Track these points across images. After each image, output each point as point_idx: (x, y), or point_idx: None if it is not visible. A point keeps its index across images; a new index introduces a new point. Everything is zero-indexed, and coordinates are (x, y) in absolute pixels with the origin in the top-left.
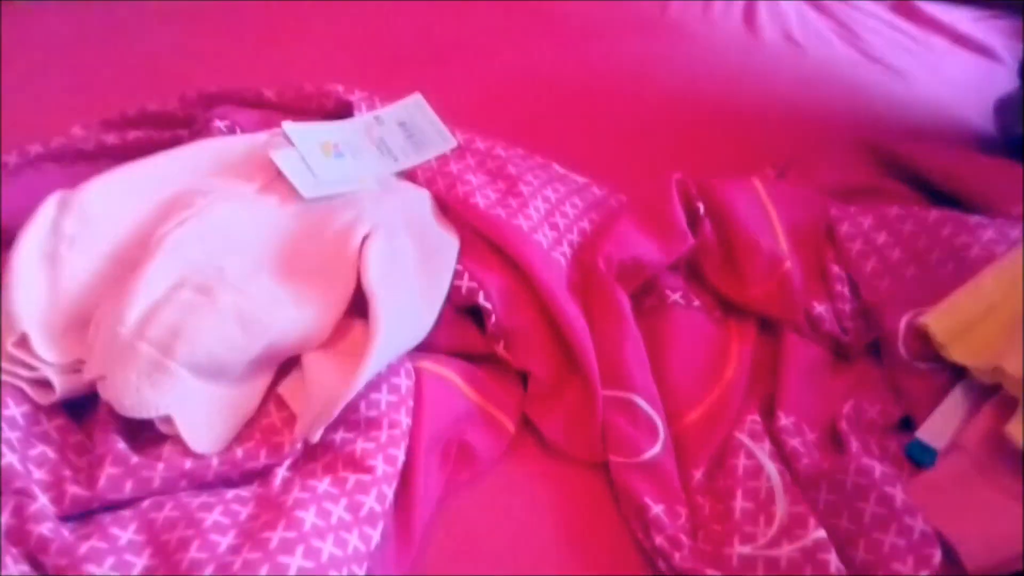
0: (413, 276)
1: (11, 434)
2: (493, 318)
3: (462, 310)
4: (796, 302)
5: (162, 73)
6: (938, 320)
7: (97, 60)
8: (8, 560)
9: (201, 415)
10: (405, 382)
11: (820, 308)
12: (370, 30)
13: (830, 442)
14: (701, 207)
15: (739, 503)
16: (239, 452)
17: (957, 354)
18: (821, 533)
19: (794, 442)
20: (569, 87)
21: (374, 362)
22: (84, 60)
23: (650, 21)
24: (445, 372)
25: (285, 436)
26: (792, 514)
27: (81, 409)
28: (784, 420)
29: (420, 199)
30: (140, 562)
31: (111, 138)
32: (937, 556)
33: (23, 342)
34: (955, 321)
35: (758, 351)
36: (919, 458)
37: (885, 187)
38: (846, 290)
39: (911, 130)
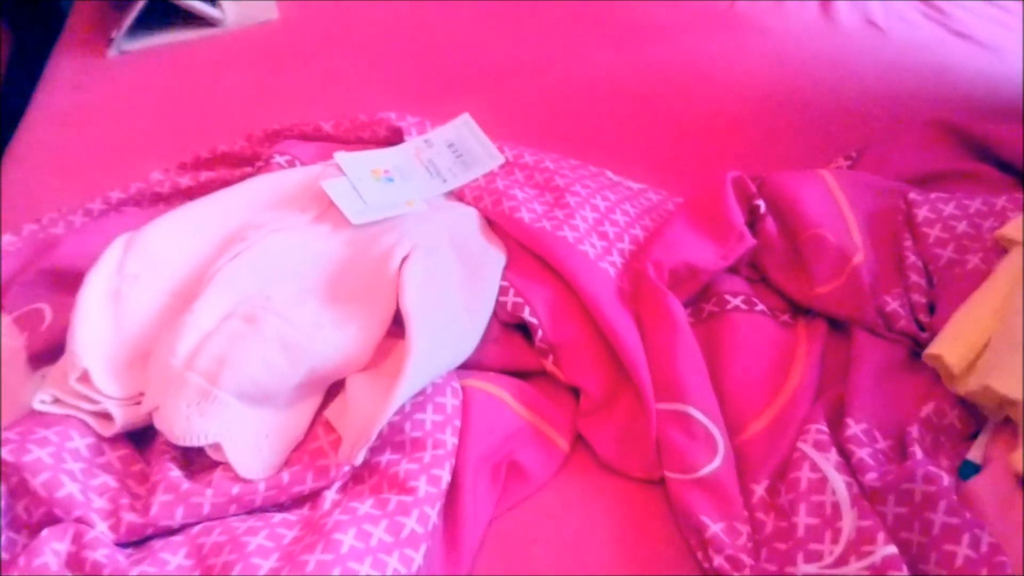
0: (456, 294)
1: (74, 465)
2: (540, 333)
3: (510, 326)
4: (866, 299)
5: (233, 113)
6: (952, 349)
7: (173, 105)
8: None
9: (249, 441)
10: (451, 401)
11: (894, 304)
12: (429, 48)
13: (903, 450)
14: (761, 204)
15: (803, 519)
16: (285, 476)
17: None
18: (891, 548)
19: (862, 452)
20: (632, 90)
21: (409, 384)
22: (161, 106)
23: (716, 17)
24: (494, 390)
25: (331, 459)
26: (860, 529)
27: (145, 439)
28: (853, 428)
29: (467, 216)
30: None
31: (185, 180)
32: (1008, 567)
33: (85, 377)
34: (966, 347)
35: (829, 353)
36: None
37: (969, 170)
38: (923, 281)
39: (1004, 108)
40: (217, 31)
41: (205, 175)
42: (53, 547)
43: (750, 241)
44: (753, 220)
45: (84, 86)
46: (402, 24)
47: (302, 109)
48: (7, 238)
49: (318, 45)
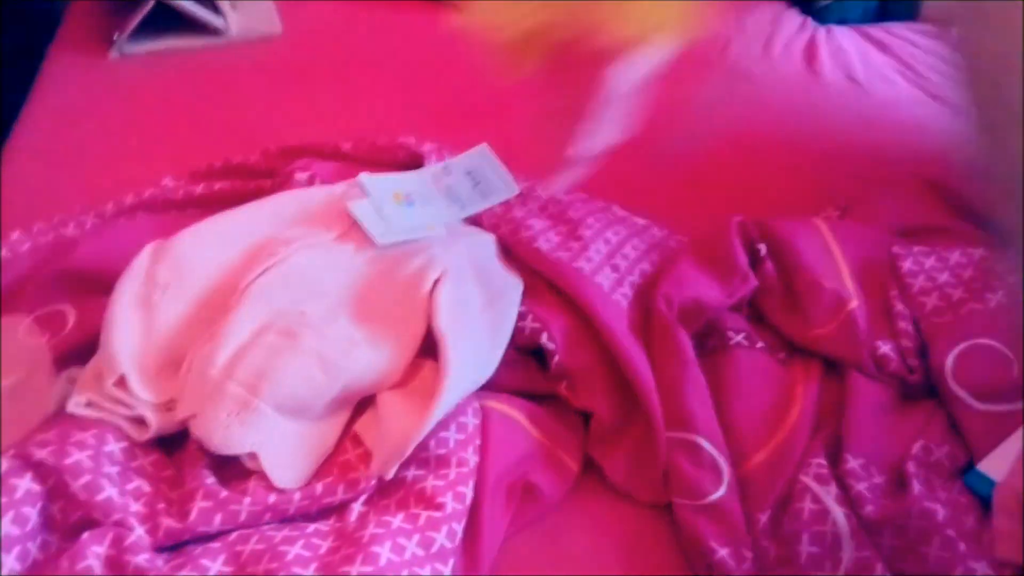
0: (478, 318)
1: (111, 468)
2: (556, 358)
3: (525, 351)
4: (861, 343)
5: (233, 123)
6: None
7: (173, 111)
8: None
9: (285, 452)
10: (472, 421)
11: (886, 348)
12: (435, 74)
13: (898, 485)
14: (763, 248)
15: (805, 548)
16: (319, 487)
17: None
18: None
19: (860, 487)
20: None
21: (444, 403)
22: (161, 111)
23: (709, 63)
24: (510, 411)
25: (360, 472)
26: (858, 559)
27: (171, 445)
28: (851, 463)
29: (485, 243)
30: None
31: (199, 188)
32: None
33: (122, 382)
34: None
35: (824, 392)
36: (977, 488)
37: (951, 227)
38: (910, 327)
39: (975, 169)
40: (220, 41)
41: (219, 185)
42: (94, 550)
43: (753, 282)
44: (754, 262)
45: (83, 87)
46: (407, 43)
47: (302, 123)
48: (16, 235)
49: (320, 61)
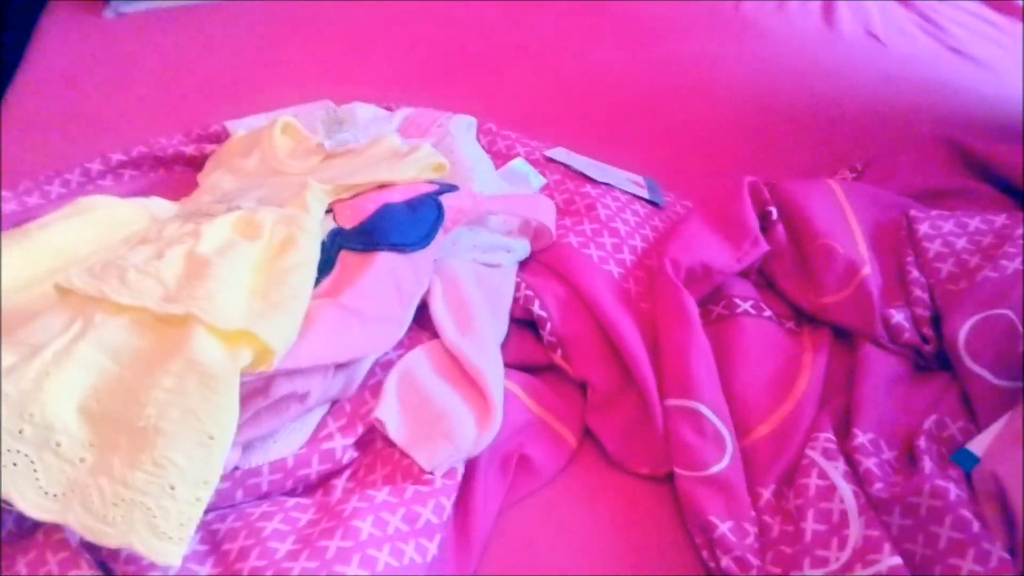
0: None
1: None
2: (549, 326)
3: (521, 322)
4: (874, 311)
5: (228, 82)
6: None
7: (169, 70)
8: (83, 563)
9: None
10: None
11: (899, 316)
12: (435, 34)
13: (908, 461)
14: (774, 211)
15: (810, 525)
16: (290, 460)
17: None
18: (896, 559)
19: (869, 463)
20: (639, 88)
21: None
22: (156, 70)
23: (723, 19)
24: (506, 384)
25: (337, 442)
26: (866, 537)
27: None
28: (861, 438)
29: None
30: (203, 571)
31: (190, 149)
32: None
33: None
34: None
35: (833, 362)
36: (965, 467)
37: (970, 188)
38: (926, 295)
39: (998, 128)
40: None
41: (211, 147)
42: None
43: (764, 247)
44: (765, 226)
45: (79, 46)
46: (405, 4)
47: (297, 82)
48: (5, 193)
49: (317, 21)
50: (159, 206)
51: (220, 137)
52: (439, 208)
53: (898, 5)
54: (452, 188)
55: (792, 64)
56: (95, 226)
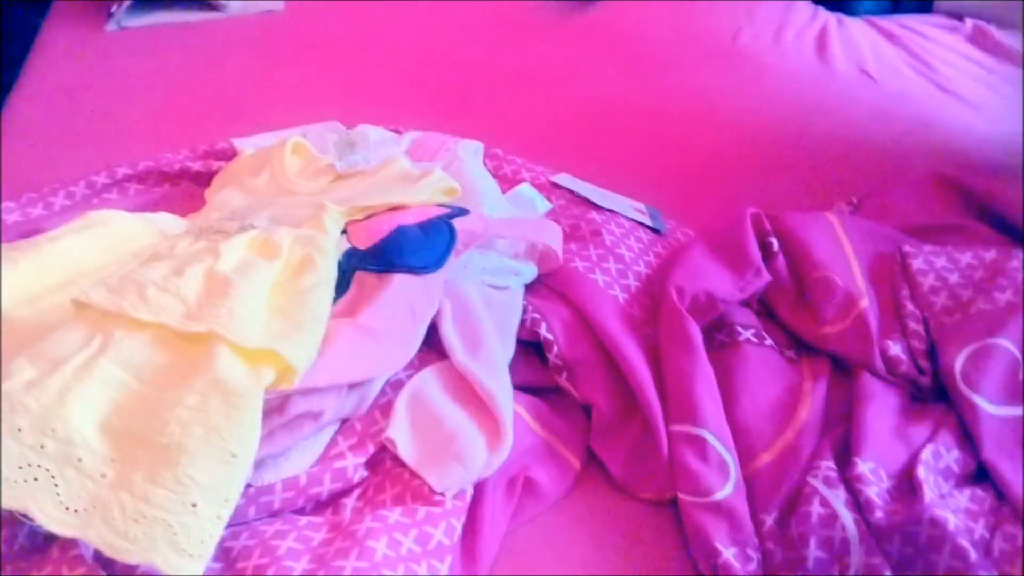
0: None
1: None
2: (555, 349)
3: (526, 344)
4: (872, 342)
5: (231, 98)
6: None
7: (170, 85)
8: None
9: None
10: None
11: (896, 348)
12: (439, 59)
13: (907, 490)
14: (775, 242)
15: (812, 551)
16: (303, 478)
17: None
18: None
19: (869, 491)
20: (639, 116)
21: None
22: (157, 85)
23: (720, 49)
24: (514, 406)
25: (348, 460)
26: (867, 564)
27: None
28: (861, 467)
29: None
30: None
31: (196, 165)
32: None
33: None
34: None
35: (832, 392)
36: None
37: (963, 225)
38: (921, 328)
39: (985, 165)
40: (220, 16)
41: (217, 164)
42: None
43: (766, 277)
44: (765, 256)
45: (81, 59)
46: (410, 27)
47: (301, 101)
48: (6, 204)
49: (321, 41)
50: (167, 222)
51: (227, 154)
52: (452, 231)
53: (888, 43)
54: (463, 212)
55: (787, 97)
56: (105, 240)
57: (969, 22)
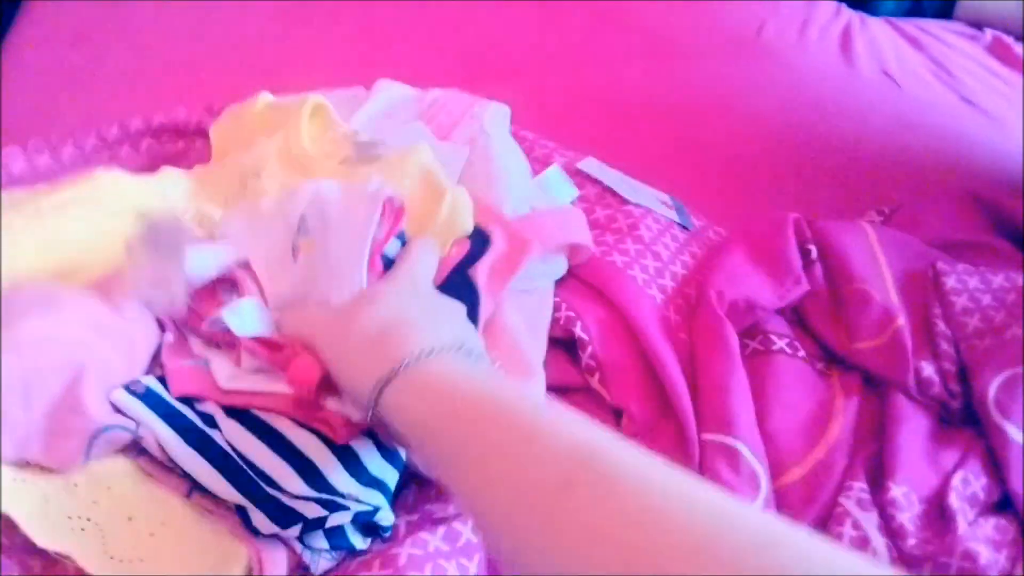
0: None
1: None
2: (589, 349)
3: (557, 342)
4: (908, 362)
5: (262, 57)
6: None
7: (195, 41)
8: None
9: None
10: None
11: (929, 370)
12: (456, 38)
13: (936, 516)
14: (814, 250)
15: None
16: None
17: None
18: None
19: (902, 517)
20: (660, 108)
21: None
22: (181, 42)
23: (744, 43)
24: None
25: None
26: None
27: None
28: (894, 491)
29: None
30: None
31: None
32: None
33: None
34: None
35: (862, 410)
36: None
37: (989, 243)
38: (952, 349)
39: (1007, 182)
40: None
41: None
42: None
43: (805, 286)
44: (804, 264)
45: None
46: (432, 8)
47: (318, 69)
48: (7, 150)
49: (344, 11)
50: (172, 183)
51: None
52: (473, 291)
53: (912, 48)
54: (484, 245)
55: (812, 96)
56: (108, 216)
57: (989, 33)
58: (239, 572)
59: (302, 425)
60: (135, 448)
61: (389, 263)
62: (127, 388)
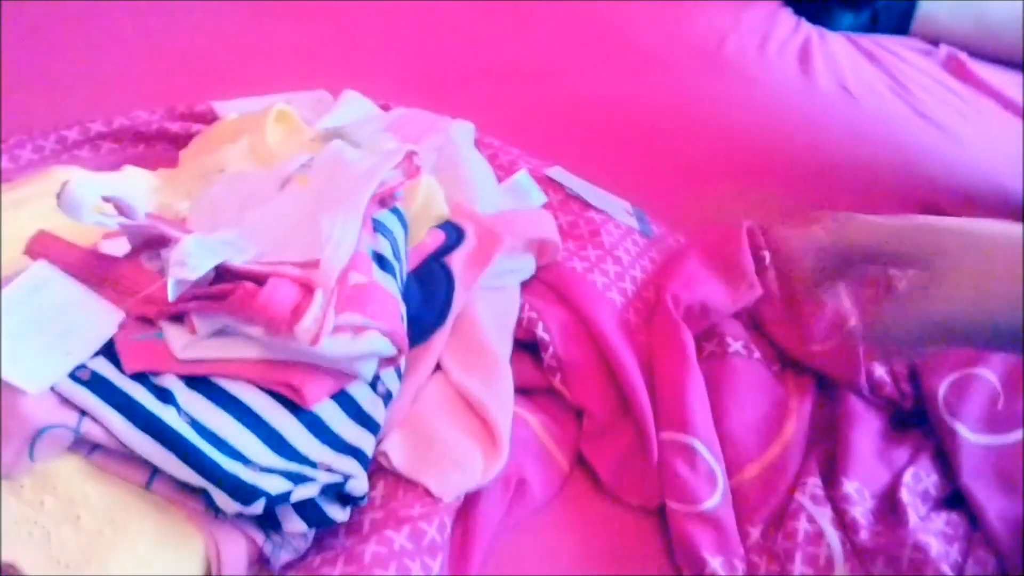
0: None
1: None
2: (551, 349)
3: (521, 344)
4: (859, 363)
5: (229, 61)
6: None
7: (163, 45)
8: None
9: None
10: None
11: (880, 371)
12: (420, 48)
13: (888, 511)
14: (767, 255)
15: (798, 567)
16: None
17: None
18: None
19: (855, 511)
20: (623, 118)
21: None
22: (149, 44)
23: (706, 57)
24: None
25: None
26: None
27: None
28: (847, 486)
29: None
30: None
31: (175, 126)
32: None
33: None
34: None
35: (816, 410)
36: None
37: None
38: None
39: (961, 196)
40: None
41: (197, 126)
42: None
43: (758, 291)
44: (757, 269)
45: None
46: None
47: (287, 69)
48: None
49: (315, 11)
50: (134, 180)
51: (206, 117)
52: (448, 279)
53: (868, 62)
54: (459, 236)
55: (771, 109)
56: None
57: (944, 48)
58: (196, 566)
59: (266, 392)
60: (89, 443)
61: (378, 258)
62: (72, 376)
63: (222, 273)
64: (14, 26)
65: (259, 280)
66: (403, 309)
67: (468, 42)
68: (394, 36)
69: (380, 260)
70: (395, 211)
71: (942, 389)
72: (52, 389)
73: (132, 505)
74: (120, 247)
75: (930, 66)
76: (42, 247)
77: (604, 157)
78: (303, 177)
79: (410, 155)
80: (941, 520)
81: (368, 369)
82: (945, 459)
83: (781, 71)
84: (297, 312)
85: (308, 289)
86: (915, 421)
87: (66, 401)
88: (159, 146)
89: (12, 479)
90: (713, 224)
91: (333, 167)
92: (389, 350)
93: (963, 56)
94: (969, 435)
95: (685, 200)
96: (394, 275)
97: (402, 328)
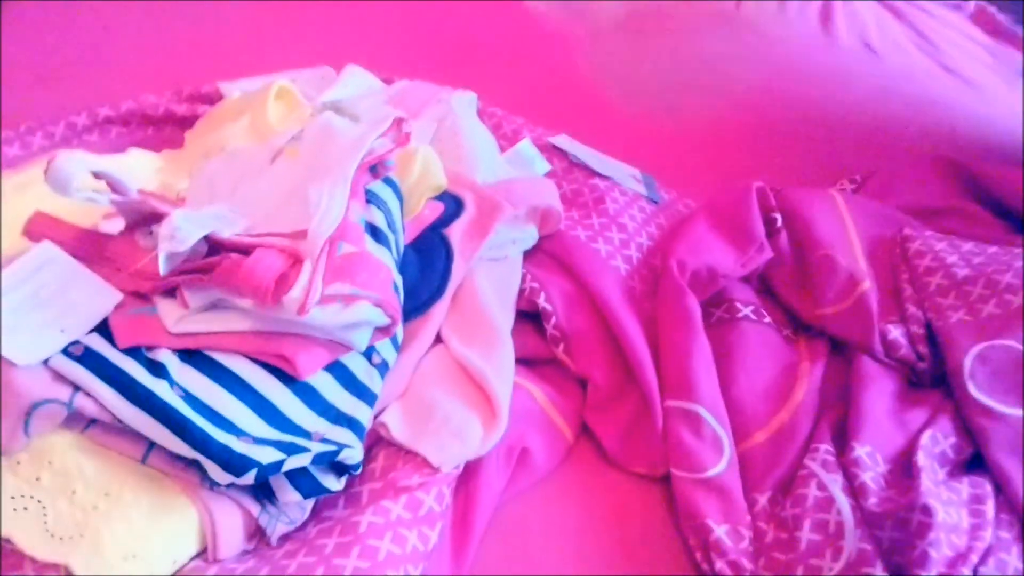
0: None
1: None
2: (554, 320)
3: (523, 314)
4: (872, 325)
5: (235, 46)
6: None
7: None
8: None
9: None
10: None
11: (896, 332)
12: (415, 25)
13: (902, 475)
14: (779, 218)
15: (806, 534)
16: None
17: None
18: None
19: (865, 476)
20: (637, 80)
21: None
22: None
23: (724, 18)
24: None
25: None
26: (860, 551)
27: None
28: (858, 451)
29: None
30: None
31: (181, 108)
32: None
33: None
34: None
35: (828, 373)
36: None
37: (963, 208)
38: (920, 313)
39: (988, 149)
40: None
41: (203, 108)
42: None
43: (768, 253)
44: (769, 232)
45: None
46: None
47: (291, 51)
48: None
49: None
50: (138, 161)
51: (212, 98)
52: (447, 250)
53: (893, 18)
54: (457, 204)
55: (791, 68)
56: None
57: (972, 2)
58: (191, 538)
59: (260, 364)
60: (85, 418)
61: (371, 229)
62: (65, 352)
63: (214, 247)
64: (19, 15)
65: (249, 252)
66: (397, 279)
67: (475, 8)
68: (400, 9)
69: (373, 231)
70: (389, 182)
71: (968, 360)
72: (45, 364)
73: (127, 478)
74: (119, 226)
75: (958, 20)
76: (39, 228)
77: (619, 123)
78: (293, 149)
79: (398, 122)
80: (961, 482)
81: (362, 339)
82: (965, 424)
83: (801, 29)
84: (283, 282)
85: (296, 259)
86: (934, 384)
87: (60, 376)
88: (167, 128)
89: (10, 455)
90: (721, 185)
91: (322, 138)
92: (381, 319)
93: (992, 9)
94: (996, 406)
95: (704, 164)
96: (389, 247)
97: (394, 298)
